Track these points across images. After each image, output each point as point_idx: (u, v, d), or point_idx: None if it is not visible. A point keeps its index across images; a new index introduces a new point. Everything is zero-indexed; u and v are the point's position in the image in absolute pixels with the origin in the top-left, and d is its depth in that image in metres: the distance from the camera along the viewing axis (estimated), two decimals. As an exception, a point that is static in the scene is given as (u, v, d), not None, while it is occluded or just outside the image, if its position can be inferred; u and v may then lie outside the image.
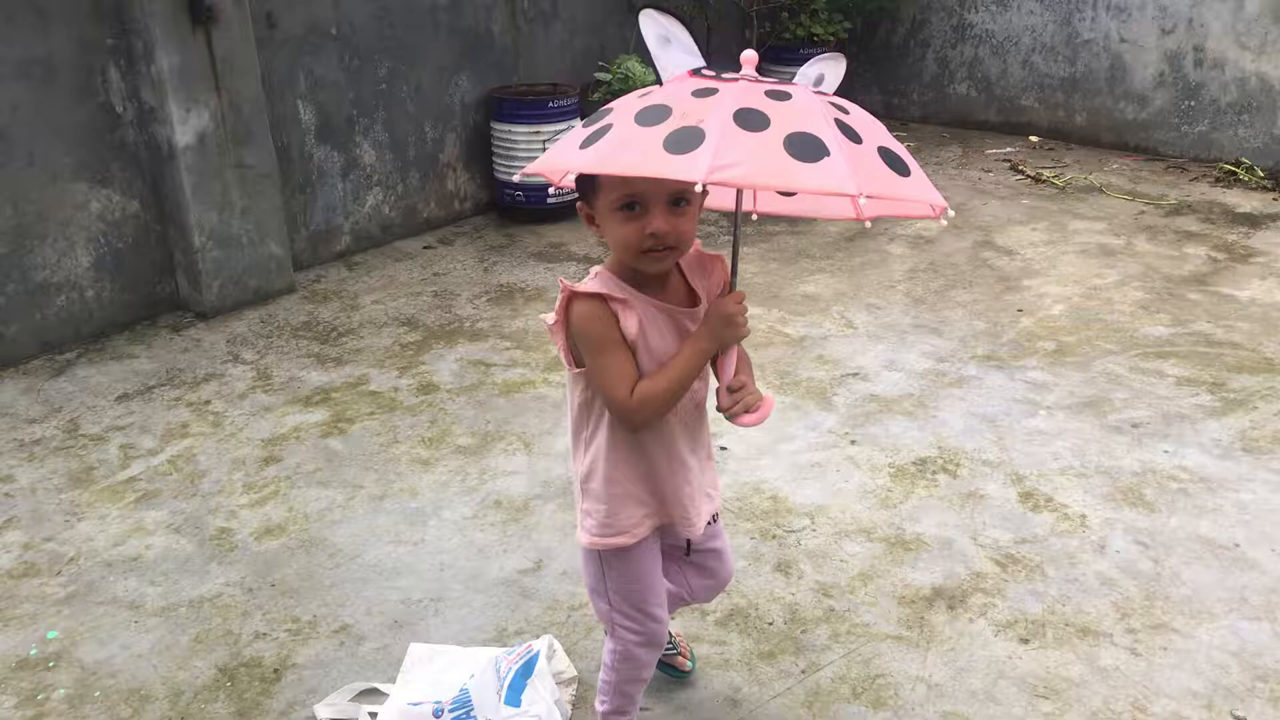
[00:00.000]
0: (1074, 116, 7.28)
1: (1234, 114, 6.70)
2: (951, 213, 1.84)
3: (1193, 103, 6.82)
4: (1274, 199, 6.11)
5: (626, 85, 5.98)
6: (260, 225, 4.80)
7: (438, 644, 2.75)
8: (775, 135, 1.66)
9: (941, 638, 2.72)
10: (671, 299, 2.00)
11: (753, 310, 4.72)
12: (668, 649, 2.60)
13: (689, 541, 2.26)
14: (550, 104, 5.69)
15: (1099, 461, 3.48)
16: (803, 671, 2.63)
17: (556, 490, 3.40)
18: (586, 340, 1.94)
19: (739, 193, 1.93)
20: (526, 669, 2.50)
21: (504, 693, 2.44)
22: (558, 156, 1.88)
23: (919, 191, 1.76)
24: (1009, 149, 7.05)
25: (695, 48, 1.95)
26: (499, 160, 5.84)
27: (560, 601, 2.90)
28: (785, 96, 1.74)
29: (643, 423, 1.97)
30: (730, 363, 1.97)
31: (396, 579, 3.02)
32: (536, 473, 3.50)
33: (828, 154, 1.64)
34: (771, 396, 1.96)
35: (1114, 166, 6.72)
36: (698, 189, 1.64)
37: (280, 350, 4.40)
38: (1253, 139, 6.66)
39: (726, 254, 2.03)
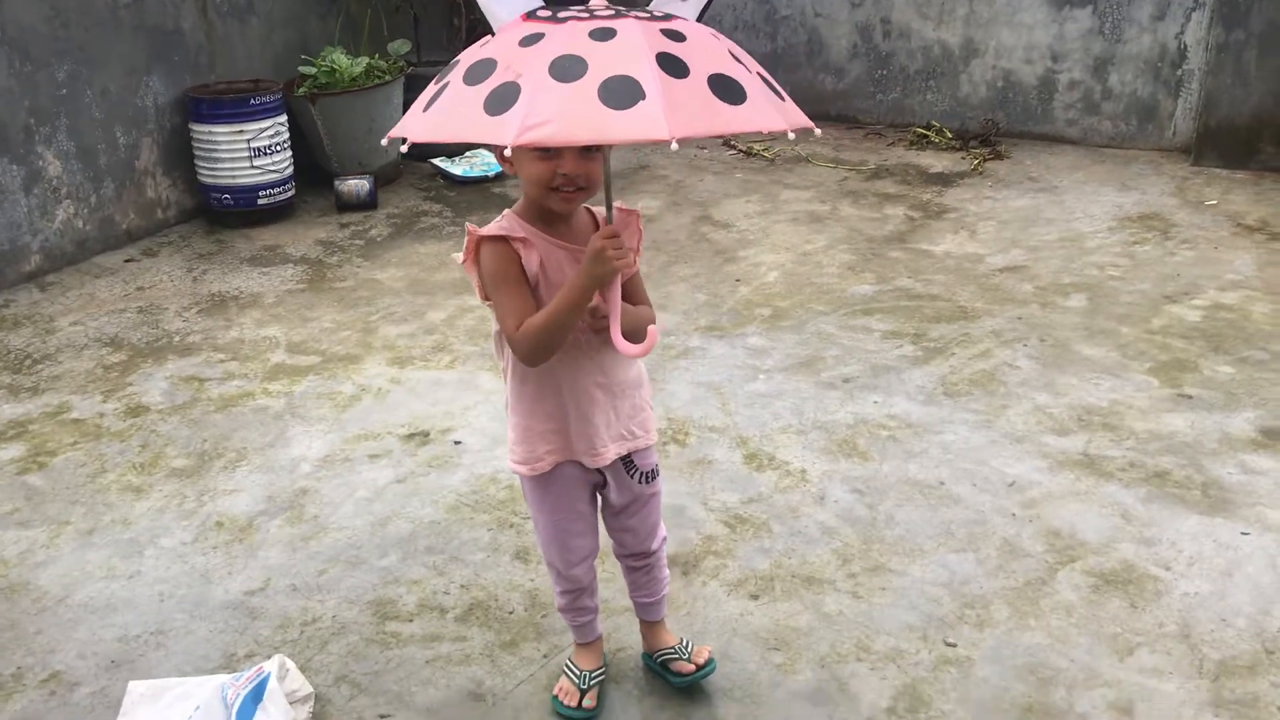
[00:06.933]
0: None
1: (922, 80, 7.16)
2: (817, 131, 1.89)
3: (885, 71, 7.24)
4: (961, 158, 6.57)
5: (332, 78, 5.80)
6: (-70, 250, 4.37)
7: (160, 679, 2.58)
8: (590, 83, 1.67)
9: (677, 604, 2.78)
10: (577, 241, 2.05)
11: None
12: (668, 652, 2.51)
13: (607, 484, 2.31)
14: (252, 101, 5.43)
15: (815, 417, 3.66)
16: (545, 656, 2.63)
17: (282, 504, 3.26)
18: (489, 277, 2.05)
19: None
20: (256, 693, 2.39)
21: (233, 721, 2.32)
22: (405, 120, 1.89)
23: (750, 120, 1.74)
24: (722, 124, 7.28)
25: None
26: (202, 164, 5.53)
27: (292, 618, 2.79)
28: (610, 35, 1.73)
29: (529, 356, 2.06)
30: (615, 298, 1.99)
31: (112, 616, 2.82)
32: (260, 488, 3.35)
33: (643, 97, 1.64)
34: (656, 329, 2.02)
35: (818, 136, 7.04)
36: (506, 153, 1.74)
37: (-35, 384, 4.03)
38: (940, 103, 7.14)
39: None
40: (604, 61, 1.68)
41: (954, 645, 2.65)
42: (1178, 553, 2.96)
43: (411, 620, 2.77)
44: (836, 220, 5.57)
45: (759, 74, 1.87)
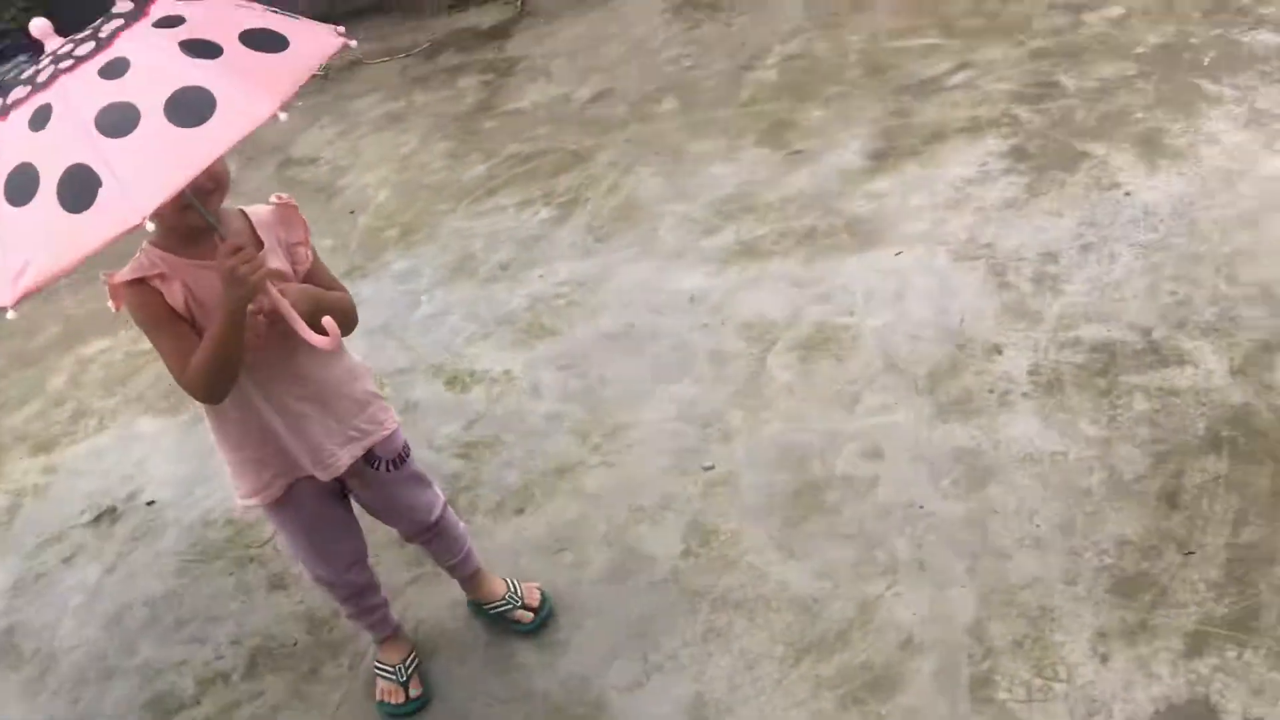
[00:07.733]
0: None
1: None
2: (351, 44, 1.82)
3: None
4: (505, 4, 6.48)
5: None
6: None
7: None
8: (48, 193, 1.47)
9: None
10: None
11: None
12: (501, 604, 2.45)
13: (351, 489, 2.19)
14: None
15: (493, 314, 3.60)
16: (350, 669, 2.53)
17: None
18: (140, 326, 1.89)
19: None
20: None
21: None
22: None
23: (227, 132, 1.51)
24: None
25: None
26: None
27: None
28: (46, 119, 1.50)
29: (205, 395, 1.90)
30: (282, 304, 1.83)
31: None
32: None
33: (100, 184, 1.44)
34: (330, 319, 1.86)
35: (353, 33, 6.73)
36: (9, 315, 1.51)
37: None
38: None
39: None
40: (50, 157, 1.48)
41: (711, 468, 2.76)
42: (852, 296, 3.19)
43: (199, 702, 2.57)
44: (416, 112, 5.40)
45: (249, 29, 1.64)
